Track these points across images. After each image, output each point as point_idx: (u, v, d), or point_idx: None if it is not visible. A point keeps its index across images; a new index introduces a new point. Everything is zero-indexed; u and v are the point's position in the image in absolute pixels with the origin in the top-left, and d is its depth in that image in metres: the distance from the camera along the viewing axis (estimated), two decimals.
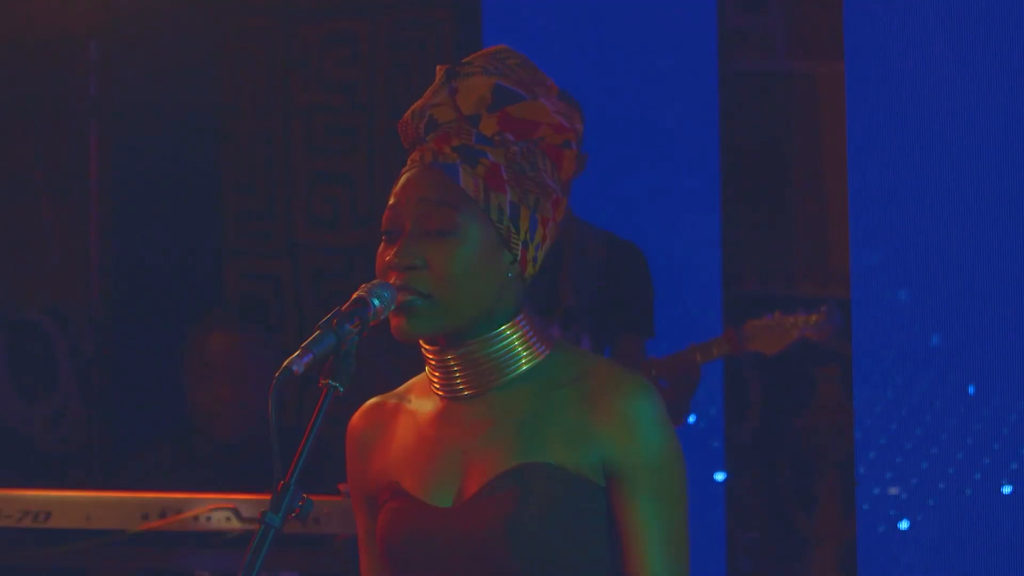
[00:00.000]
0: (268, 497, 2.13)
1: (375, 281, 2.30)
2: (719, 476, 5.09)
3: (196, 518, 3.98)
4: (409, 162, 2.39)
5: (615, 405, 2.31)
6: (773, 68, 5.09)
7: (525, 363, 2.36)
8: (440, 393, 2.39)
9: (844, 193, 4.62)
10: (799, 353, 4.27)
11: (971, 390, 4.03)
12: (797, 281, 5.10)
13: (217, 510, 3.98)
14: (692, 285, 5.13)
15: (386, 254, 2.34)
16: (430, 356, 2.38)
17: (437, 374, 2.38)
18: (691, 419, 4.56)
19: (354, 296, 2.27)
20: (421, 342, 2.38)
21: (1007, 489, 3.98)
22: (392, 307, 2.29)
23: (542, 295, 4.43)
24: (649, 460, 2.31)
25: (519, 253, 2.36)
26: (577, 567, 2.30)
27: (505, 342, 2.35)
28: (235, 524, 3.97)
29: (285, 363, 2.15)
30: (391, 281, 2.31)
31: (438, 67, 2.41)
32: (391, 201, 2.36)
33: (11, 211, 5.73)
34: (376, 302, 2.26)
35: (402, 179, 2.38)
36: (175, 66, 5.62)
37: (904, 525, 3.99)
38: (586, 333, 4.46)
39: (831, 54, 4.82)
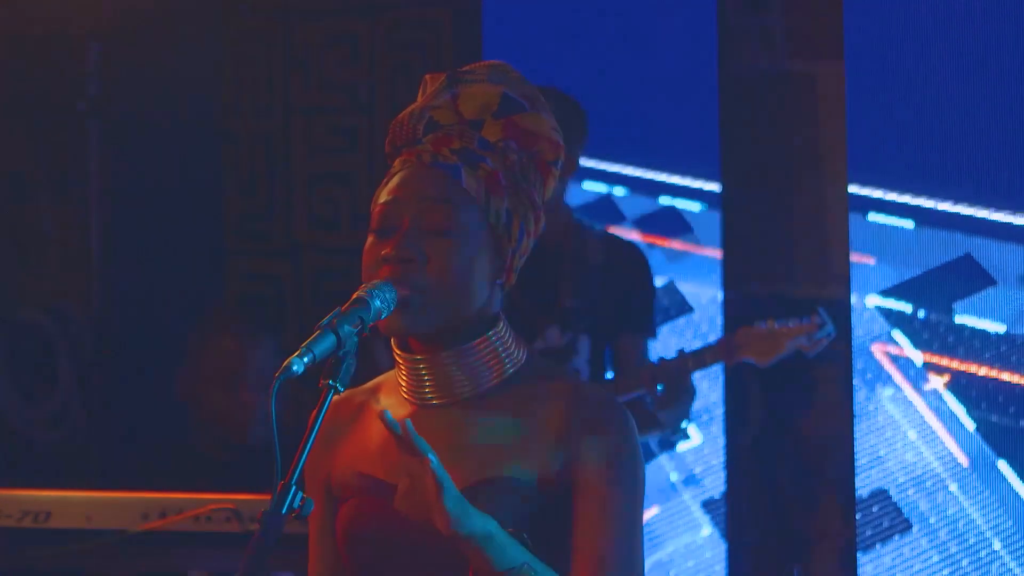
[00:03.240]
0: (268, 497, 2.13)
1: (376, 281, 2.29)
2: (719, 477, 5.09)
3: (196, 518, 3.98)
4: (401, 162, 2.38)
5: (585, 423, 2.31)
6: (773, 68, 5.08)
7: (496, 377, 2.36)
8: (408, 399, 2.39)
9: (844, 193, 4.62)
10: (799, 353, 4.26)
11: None
12: (797, 281, 5.10)
13: (217, 510, 3.98)
14: (692, 286, 5.13)
15: (379, 249, 2.33)
16: (401, 361, 2.38)
17: (406, 380, 2.38)
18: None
19: (354, 296, 2.26)
20: (394, 346, 2.38)
21: None
22: (393, 308, 2.28)
23: (541, 297, 4.42)
24: (613, 477, 2.30)
25: (508, 260, 2.37)
26: None
27: (478, 355, 2.35)
28: (235, 524, 3.97)
29: (285, 363, 2.14)
30: (385, 275, 2.30)
31: (427, 76, 2.41)
32: (386, 198, 2.35)
33: (11, 211, 5.73)
34: (377, 303, 2.25)
35: (396, 177, 2.37)
36: (175, 66, 5.62)
37: None
38: (586, 334, 4.45)
39: (831, 54, 4.82)
